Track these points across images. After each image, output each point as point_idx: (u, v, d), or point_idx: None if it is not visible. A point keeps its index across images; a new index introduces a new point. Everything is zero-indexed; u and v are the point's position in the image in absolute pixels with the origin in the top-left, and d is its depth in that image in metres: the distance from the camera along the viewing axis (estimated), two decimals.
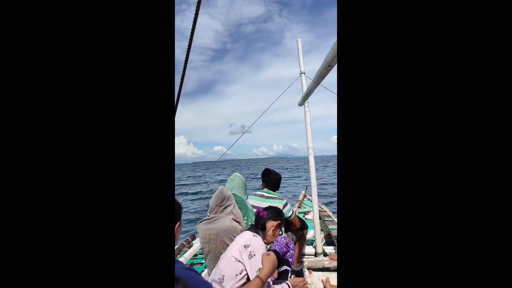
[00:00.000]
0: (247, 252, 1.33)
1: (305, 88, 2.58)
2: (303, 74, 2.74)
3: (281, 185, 2.55)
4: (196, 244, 2.52)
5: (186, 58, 0.92)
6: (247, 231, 1.47)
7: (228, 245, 1.55)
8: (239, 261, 1.33)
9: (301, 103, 2.61)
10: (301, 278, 1.64)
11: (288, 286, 1.50)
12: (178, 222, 0.98)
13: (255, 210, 1.76)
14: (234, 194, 1.86)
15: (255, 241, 1.37)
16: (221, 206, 1.73)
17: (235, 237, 1.55)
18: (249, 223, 1.82)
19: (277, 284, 1.46)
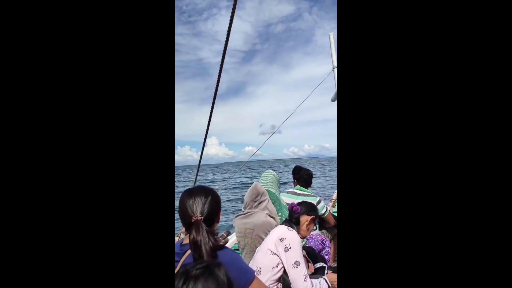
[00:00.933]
0: (282, 245, 1.36)
1: None
2: (335, 69, 2.71)
3: (314, 185, 2.54)
4: (232, 239, 2.61)
5: (222, 60, 0.98)
6: (282, 225, 1.51)
7: (263, 239, 1.60)
8: (275, 254, 1.37)
9: (335, 98, 2.58)
10: (336, 274, 1.64)
11: (325, 280, 1.51)
12: (220, 210, 1.08)
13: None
14: (268, 190, 1.91)
15: (290, 235, 1.40)
16: (255, 201, 1.78)
17: (270, 231, 1.60)
18: (283, 218, 1.86)
19: (314, 278, 1.48)
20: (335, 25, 0.66)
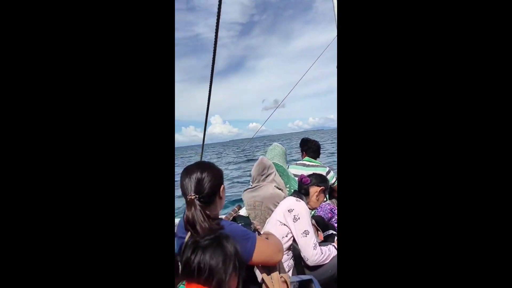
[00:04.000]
0: (291, 216, 1.40)
1: None
2: None
3: (322, 156, 2.54)
4: (242, 212, 2.71)
5: (215, 35, 0.95)
6: (290, 197, 1.54)
7: (273, 211, 1.65)
8: (284, 224, 1.42)
9: None
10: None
11: (334, 247, 1.56)
12: (222, 185, 1.06)
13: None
14: (275, 163, 1.93)
15: (298, 205, 1.44)
16: (262, 175, 1.82)
17: (278, 203, 1.64)
18: (292, 190, 1.90)
19: (324, 246, 1.53)
20: None
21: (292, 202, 1.46)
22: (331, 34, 2.62)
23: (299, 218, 1.39)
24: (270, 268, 1.05)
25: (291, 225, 1.40)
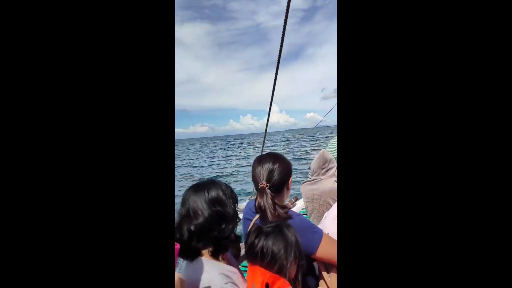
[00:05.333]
0: None
1: None
2: None
3: None
4: (299, 204, 2.70)
5: (284, 22, 0.94)
6: None
7: (331, 206, 1.60)
8: None
9: None
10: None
11: None
12: (291, 177, 1.11)
13: None
14: (336, 158, 1.86)
15: None
16: (323, 168, 1.77)
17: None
18: None
19: None
20: None
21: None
22: None
23: None
24: (330, 267, 1.04)
25: None
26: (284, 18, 0.89)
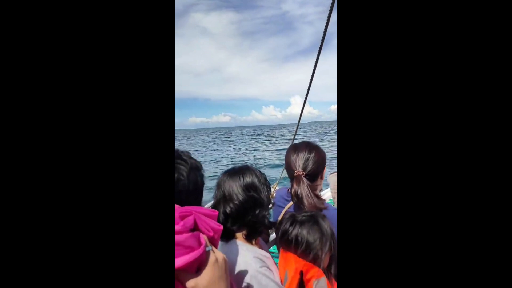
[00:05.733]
0: None
1: None
2: None
3: None
4: (326, 194, 2.71)
5: (330, 9, 0.90)
6: None
7: None
8: None
9: None
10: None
11: None
12: (325, 167, 1.10)
13: None
14: None
15: None
16: None
17: None
18: None
19: None
20: None
21: None
22: None
23: None
24: None
25: None
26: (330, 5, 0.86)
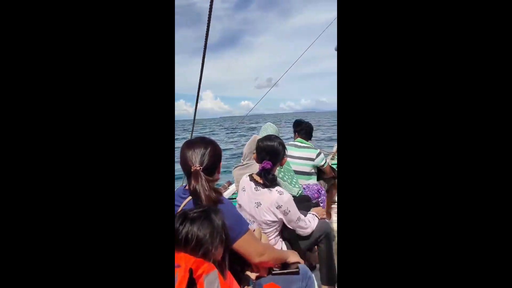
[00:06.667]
0: (281, 211, 1.39)
1: None
2: None
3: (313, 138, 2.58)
4: (231, 188, 2.77)
5: (210, 6, 0.91)
6: (273, 191, 1.43)
7: None
8: (275, 216, 1.41)
9: None
10: (320, 207, 1.75)
11: (314, 215, 1.62)
12: (220, 163, 1.11)
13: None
14: None
15: (284, 199, 1.39)
16: (254, 153, 1.83)
17: None
18: (281, 170, 1.92)
19: (304, 215, 1.57)
20: None
21: (277, 198, 1.39)
22: (332, 13, 2.54)
23: (289, 211, 1.40)
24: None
25: (283, 217, 1.41)
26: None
